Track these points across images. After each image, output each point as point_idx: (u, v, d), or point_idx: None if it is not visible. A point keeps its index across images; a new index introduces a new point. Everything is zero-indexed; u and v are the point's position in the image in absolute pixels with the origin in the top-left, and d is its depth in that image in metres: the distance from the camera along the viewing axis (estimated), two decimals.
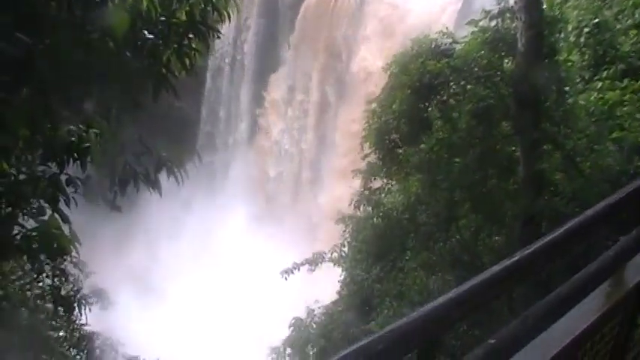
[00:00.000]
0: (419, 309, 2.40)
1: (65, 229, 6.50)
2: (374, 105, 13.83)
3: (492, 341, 2.57)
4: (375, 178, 15.43)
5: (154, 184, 6.56)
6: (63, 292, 12.45)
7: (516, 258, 2.81)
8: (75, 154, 5.92)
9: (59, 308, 12.46)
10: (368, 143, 14.04)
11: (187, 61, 6.97)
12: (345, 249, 18.04)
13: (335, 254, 18.22)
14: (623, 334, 3.84)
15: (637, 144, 12.31)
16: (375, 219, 15.90)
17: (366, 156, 15.02)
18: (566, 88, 13.28)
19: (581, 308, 3.21)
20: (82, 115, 6.06)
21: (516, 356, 2.67)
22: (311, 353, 17.24)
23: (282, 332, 18.13)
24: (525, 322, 2.78)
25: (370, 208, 16.08)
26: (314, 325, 18.07)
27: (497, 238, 13.44)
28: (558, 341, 3.01)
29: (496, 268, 2.70)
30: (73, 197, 6.33)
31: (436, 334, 2.43)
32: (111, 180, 6.44)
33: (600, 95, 13.79)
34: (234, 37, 42.63)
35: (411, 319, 2.31)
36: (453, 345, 11.52)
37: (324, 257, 18.58)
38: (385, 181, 15.36)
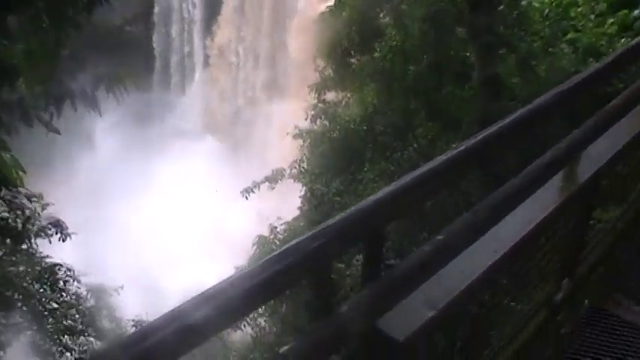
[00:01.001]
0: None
1: (6, 158, 6.24)
2: (324, 12, 13.49)
3: (441, 237, 2.46)
4: (328, 90, 15.20)
5: (92, 102, 6.28)
6: (19, 226, 12.15)
7: (463, 147, 2.66)
8: (2, 73, 5.60)
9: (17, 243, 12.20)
10: (319, 53, 13.77)
11: None
12: (304, 164, 17.94)
13: (294, 170, 18.13)
14: (580, 226, 3.80)
15: (591, 44, 12.26)
16: (332, 132, 15.77)
17: (318, 68, 14.75)
18: None
19: (535, 201, 3.10)
20: (5, 30, 5.69)
21: (467, 251, 2.57)
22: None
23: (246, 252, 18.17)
24: (476, 216, 2.66)
25: (327, 122, 15.92)
26: (277, 242, 18.12)
27: (454, 145, 13.40)
28: (511, 235, 2.94)
29: (443, 157, 2.55)
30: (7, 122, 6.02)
31: (380, 224, 2.28)
32: (46, 100, 6.14)
33: None
34: None
35: (353, 211, 2.18)
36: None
37: (283, 174, 18.49)
38: (339, 92, 15.15)
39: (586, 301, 4.27)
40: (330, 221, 2.07)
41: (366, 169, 14.50)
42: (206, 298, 1.71)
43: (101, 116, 6.51)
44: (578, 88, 3.41)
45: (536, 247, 3.54)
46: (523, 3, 12.78)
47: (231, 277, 1.76)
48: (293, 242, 1.93)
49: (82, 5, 6.32)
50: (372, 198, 2.17)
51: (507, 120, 2.84)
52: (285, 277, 1.87)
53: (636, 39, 4.40)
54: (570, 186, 3.40)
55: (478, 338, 3.52)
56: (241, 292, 1.76)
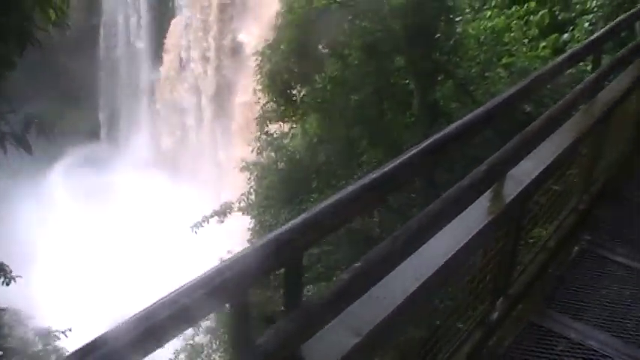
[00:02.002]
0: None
1: None
2: (263, 47, 13.54)
3: (358, 264, 2.46)
4: (270, 122, 15.18)
5: (23, 144, 6.20)
6: None
7: (385, 169, 2.70)
8: None
9: None
10: (260, 87, 13.78)
11: (52, 13, 6.56)
12: (252, 196, 17.87)
13: (243, 203, 18.04)
14: (510, 246, 3.87)
15: (525, 68, 12.53)
16: (278, 163, 15.76)
17: (261, 101, 14.75)
18: (456, 18, 13.35)
19: (461, 223, 3.14)
20: None
21: (389, 277, 2.58)
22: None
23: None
24: (395, 243, 2.67)
25: (273, 153, 15.92)
26: None
27: None
28: (435, 259, 2.97)
29: (359, 182, 2.57)
30: None
31: (298, 251, 2.27)
32: None
33: (489, 23, 13.97)
34: None
35: (271, 239, 2.18)
36: None
37: (232, 207, 18.38)
38: (282, 124, 15.17)
39: (523, 316, 4.34)
40: (248, 249, 2.07)
41: (312, 199, 14.54)
42: (119, 331, 1.70)
43: (31, 154, 6.39)
44: (500, 107, 3.49)
45: (465, 268, 3.59)
46: (459, 30, 13.04)
47: (142, 310, 1.75)
48: (208, 272, 1.92)
49: (14, 44, 6.26)
50: (289, 225, 2.18)
51: (425, 143, 2.89)
52: (200, 306, 1.86)
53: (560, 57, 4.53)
54: (497, 207, 3.47)
55: None
56: (155, 322, 1.75)
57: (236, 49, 36.21)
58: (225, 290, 1.93)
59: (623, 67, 5.47)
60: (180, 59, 39.57)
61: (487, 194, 3.48)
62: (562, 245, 4.94)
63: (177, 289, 1.86)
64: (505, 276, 4.05)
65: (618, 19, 5.40)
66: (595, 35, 4.84)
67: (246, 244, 18.39)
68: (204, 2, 37.60)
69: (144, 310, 1.77)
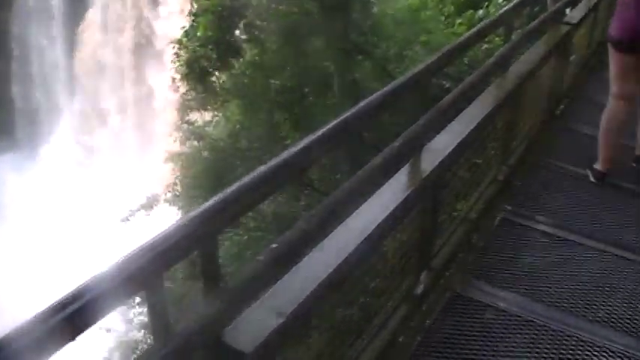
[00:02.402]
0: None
1: None
2: (180, 35, 13.37)
3: (275, 246, 2.42)
4: (191, 111, 15.03)
5: None
6: None
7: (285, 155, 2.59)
8: None
9: None
10: (179, 75, 13.62)
11: None
12: (178, 187, 17.67)
13: (170, 194, 17.82)
14: (429, 219, 3.90)
15: (442, 45, 12.68)
16: (203, 152, 15.60)
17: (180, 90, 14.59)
18: None
19: (378, 200, 3.12)
20: None
21: (307, 257, 2.56)
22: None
23: None
24: (310, 222, 2.62)
25: (197, 142, 15.76)
26: None
27: None
28: (355, 236, 2.91)
29: (274, 161, 2.48)
30: None
31: (214, 232, 2.20)
32: None
33: (406, 2, 14.10)
34: None
35: (184, 221, 2.08)
36: None
37: (158, 199, 18.16)
38: (203, 113, 15.03)
39: (447, 288, 4.38)
40: (160, 234, 2.01)
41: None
42: (25, 328, 1.61)
43: None
44: (409, 84, 3.50)
45: (387, 243, 3.60)
46: (375, 10, 13.13)
47: (51, 304, 1.67)
48: (119, 260, 1.85)
49: None
50: (201, 207, 2.13)
51: (339, 119, 2.87)
52: (112, 294, 1.80)
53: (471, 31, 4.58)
54: (414, 181, 3.48)
55: (339, 340, 3.56)
56: (64, 316, 1.67)
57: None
58: (139, 277, 1.86)
59: (534, 39, 5.59)
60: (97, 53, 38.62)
61: (404, 169, 3.48)
62: (483, 216, 5.02)
63: (88, 279, 1.78)
64: (427, 249, 4.08)
65: None
66: (504, 9, 4.92)
67: None
68: None
69: (54, 302, 1.70)
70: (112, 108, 38.18)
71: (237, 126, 14.00)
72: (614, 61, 5.72)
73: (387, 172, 3.19)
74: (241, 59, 12.85)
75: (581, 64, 8.26)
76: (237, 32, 12.93)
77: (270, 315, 2.33)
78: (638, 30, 5.39)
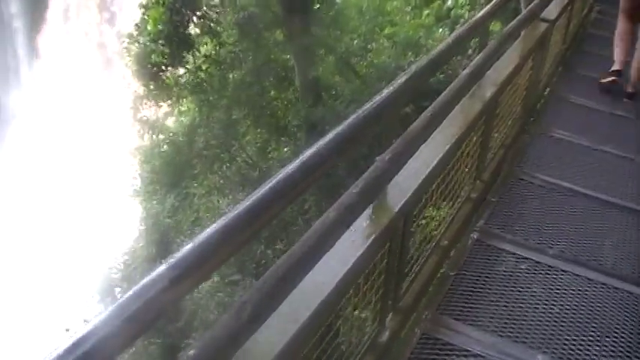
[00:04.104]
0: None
1: None
2: (131, 29, 12.63)
3: (242, 301, 1.97)
4: (143, 107, 14.32)
5: None
6: None
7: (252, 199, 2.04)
8: None
9: None
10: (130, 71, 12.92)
11: None
12: (138, 182, 17.19)
13: (130, 189, 17.38)
14: (395, 260, 3.37)
15: (408, 38, 12.19)
16: (161, 147, 15.03)
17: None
18: None
19: (344, 243, 2.66)
20: None
21: (276, 313, 2.12)
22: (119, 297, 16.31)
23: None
24: (277, 272, 2.14)
25: (155, 136, 15.16)
26: (119, 266, 17.30)
27: (286, 149, 12.97)
28: (311, 300, 2.48)
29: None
30: None
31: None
32: None
33: None
34: None
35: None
36: None
37: (118, 193, 17.72)
38: (156, 108, 14.37)
39: (417, 330, 3.88)
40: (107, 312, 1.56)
41: (195, 184, 13.86)
42: None
43: None
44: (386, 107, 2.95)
45: (353, 293, 3.10)
46: (338, 1, 12.56)
47: None
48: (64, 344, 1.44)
49: None
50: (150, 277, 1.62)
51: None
52: None
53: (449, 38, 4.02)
54: (379, 224, 2.96)
55: None
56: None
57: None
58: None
59: (510, 43, 5.06)
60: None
61: (368, 210, 2.95)
62: (456, 241, 4.52)
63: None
64: (394, 290, 3.56)
65: None
66: (479, 14, 4.36)
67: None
68: None
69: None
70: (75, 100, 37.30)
71: (194, 123, 13.36)
72: None
73: (353, 212, 2.68)
74: (197, 53, 12.19)
75: (556, 61, 7.80)
76: (191, 25, 12.23)
77: None
78: None
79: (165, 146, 14.93)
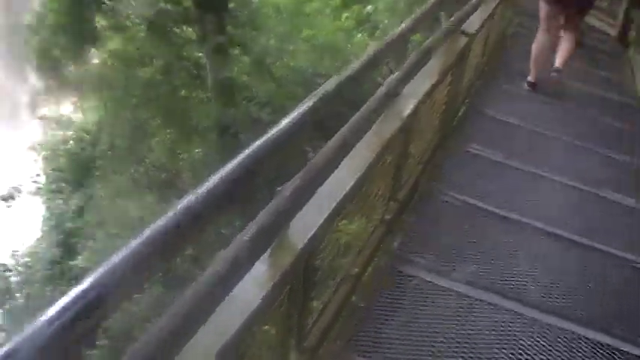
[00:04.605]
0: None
1: None
2: (29, 20, 11.86)
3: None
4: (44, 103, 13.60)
5: None
6: None
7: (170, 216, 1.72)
8: None
9: None
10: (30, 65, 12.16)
11: None
12: (43, 179, 16.40)
13: (34, 187, 16.55)
14: (296, 307, 3.02)
15: (328, 42, 11.86)
16: (67, 144, 14.32)
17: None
18: None
19: (228, 307, 2.25)
20: None
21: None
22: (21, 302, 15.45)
23: None
24: (174, 321, 1.85)
25: (61, 133, 14.45)
26: (19, 269, 16.42)
27: (197, 150, 12.45)
28: (220, 335, 2.18)
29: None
30: None
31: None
32: None
33: None
34: None
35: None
36: None
37: (20, 190, 16.83)
38: (57, 104, 13.67)
39: None
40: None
41: (100, 186, 13.21)
42: None
43: None
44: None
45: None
46: (255, 0, 12.13)
47: None
48: None
49: None
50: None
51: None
52: None
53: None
54: (278, 268, 2.60)
55: None
56: None
57: None
58: None
59: (428, 57, 4.76)
60: None
61: (266, 254, 2.58)
62: (367, 267, 4.21)
63: None
64: (297, 329, 3.20)
65: (419, 12, 4.65)
66: (397, 32, 4.04)
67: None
68: None
69: None
70: None
71: (99, 121, 12.70)
72: (541, 8, 7.92)
73: (241, 266, 2.31)
74: (101, 49, 11.54)
75: (475, 74, 7.63)
76: (95, 19, 11.55)
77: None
78: None
79: (71, 143, 14.23)
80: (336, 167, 2.98)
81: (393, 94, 3.81)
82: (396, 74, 3.89)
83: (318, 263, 3.24)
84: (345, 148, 3.03)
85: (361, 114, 3.32)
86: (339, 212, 3.16)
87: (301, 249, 2.70)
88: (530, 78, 8.01)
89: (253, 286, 2.46)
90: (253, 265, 2.40)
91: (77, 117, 14.67)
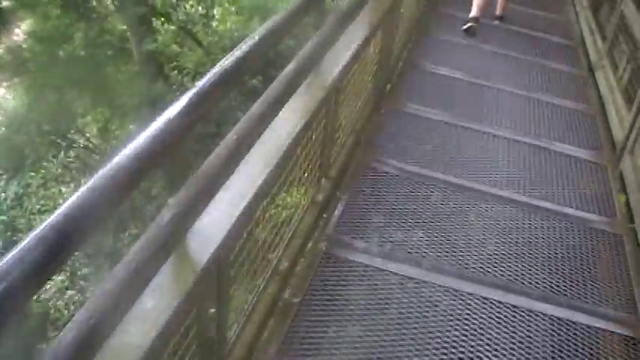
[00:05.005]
0: None
1: None
2: None
3: None
4: None
5: None
6: None
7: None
8: None
9: None
10: None
11: None
12: None
13: None
14: (208, 321, 2.61)
15: (255, 3, 11.26)
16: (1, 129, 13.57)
17: None
18: None
19: (142, 313, 1.99)
20: None
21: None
22: None
23: None
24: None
25: None
26: None
27: (131, 127, 11.83)
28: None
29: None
30: None
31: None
32: None
33: None
34: None
35: None
36: None
37: None
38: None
39: None
40: None
41: (32, 173, 12.55)
42: None
43: None
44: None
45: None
46: None
47: None
48: None
49: None
50: None
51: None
52: None
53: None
54: (179, 282, 2.19)
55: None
56: None
57: None
58: None
59: (355, 13, 4.28)
60: None
61: (165, 267, 2.16)
62: (298, 260, 3.82)
63: None
64: (218, 345, 2.80)
65: None
66: None
67: None
68: None
69: None
70: None
71: (24, 105, 11.99)
72: None
73: (146, 269, 1.93)
74: (16, 30, 10.82)
75: (410, 27, 7.18)
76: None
77: None
78: None
79: (3, 129, 13.49)
80: (243, 157, 2.55)
81: (314, 59, 3.38)
82: (316, 37, 3.45)
83: (237, 267, 2.82)
84: (253, 133, 2.60)
85: (275, 87, 2.88)
86: (254, 207, 2.73)
87: (209, 257, 2.29)
88: (473, 13, 7.69)
89: (154, 307, 2.06)
90: (150, 281, 2.01)
91: (9, 101, 13.86)
